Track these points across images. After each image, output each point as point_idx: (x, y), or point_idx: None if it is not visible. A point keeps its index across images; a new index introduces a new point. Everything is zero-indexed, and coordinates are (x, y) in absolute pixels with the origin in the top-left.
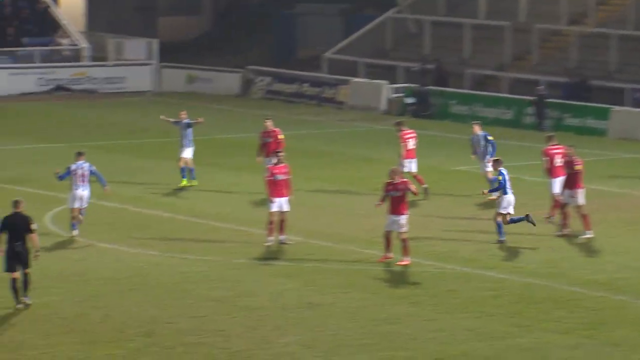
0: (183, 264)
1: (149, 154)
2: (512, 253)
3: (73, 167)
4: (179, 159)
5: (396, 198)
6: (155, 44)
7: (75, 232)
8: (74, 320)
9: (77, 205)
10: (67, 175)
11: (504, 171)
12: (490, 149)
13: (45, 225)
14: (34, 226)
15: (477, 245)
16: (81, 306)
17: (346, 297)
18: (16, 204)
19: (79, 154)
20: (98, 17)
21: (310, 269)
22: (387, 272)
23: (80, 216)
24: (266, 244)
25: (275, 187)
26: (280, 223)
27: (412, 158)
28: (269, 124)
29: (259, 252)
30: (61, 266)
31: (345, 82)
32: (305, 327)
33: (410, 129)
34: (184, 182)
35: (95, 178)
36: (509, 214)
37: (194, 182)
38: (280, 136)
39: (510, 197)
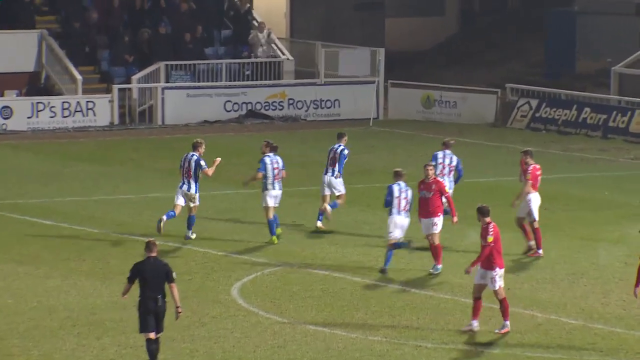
0: None
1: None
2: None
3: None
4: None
5: None
6: (380, 54)
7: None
8: None
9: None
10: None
11: (394, 186)
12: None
13: None
14: (174, 275)
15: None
16: None
17: None
18: (149, 246)
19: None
20: (304, 19)
21: None
22: None
23: None
24: None
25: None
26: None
27: None
28: (527, 159)
29: None
30: None
31: None
32: None
33: None
34: None
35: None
36: (393, 239)
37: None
38: (528, 175)
39: (397, 219)
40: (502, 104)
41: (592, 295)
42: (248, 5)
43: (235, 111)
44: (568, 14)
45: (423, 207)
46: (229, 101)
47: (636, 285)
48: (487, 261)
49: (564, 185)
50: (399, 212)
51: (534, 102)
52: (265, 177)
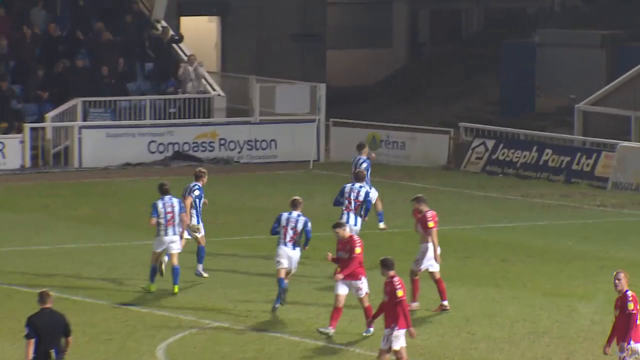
0: None
1: None
2: None
3: None
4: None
5: None
6: (321, 90)
7: None
8: None
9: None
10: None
11: (283, 215)
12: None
13: None
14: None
15: None
16: None
17: None
18: (43, 297)
19: None
20: (237, 50)
21: None
22: None
23: None
24: None
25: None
26: None
27: None
28: (421, 206)
29: None
30: None
31: (610, 148)
32: None
33: None
34: None
35: None
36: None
37: None
38: (430, 223)
39: (282, 249)
40: (455, 144)
41: (555, 356)
42: (172, 34)
43: (161, 152)
44: (527, 46)
45: (342, 269)
46: (153, 141)
47: (608, 344)
48: (391, 317)
49: (523, 235)
50: (285, 244)
51: (490, 143)
52: (158, 222)
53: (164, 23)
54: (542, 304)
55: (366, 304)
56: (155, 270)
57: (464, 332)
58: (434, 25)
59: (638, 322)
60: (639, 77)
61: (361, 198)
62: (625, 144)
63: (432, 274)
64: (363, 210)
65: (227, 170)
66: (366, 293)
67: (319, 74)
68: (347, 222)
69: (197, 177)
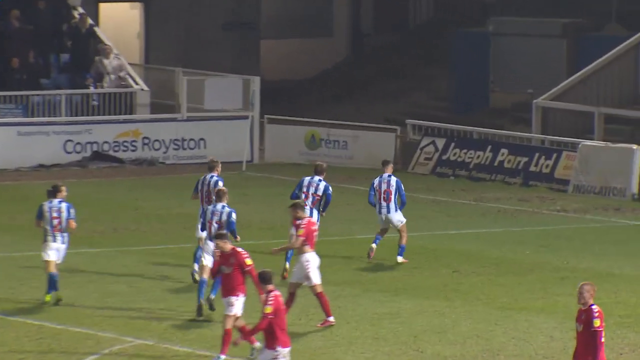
0: None
1: None
2: None
3: None
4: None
5: None
6: (255, 83)
7: None
8: None
9: None
10: None
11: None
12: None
13: None
14: None
15: None
16: None
17: None
18: None
19: None
20: (162, 40)
21: None
22: None
23: None
24: None
25: None
26: None
27: None
28: (298, 213)
29: None
30: None
31: (571, 148)
32: None
33: None
34: None
35: None
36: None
37: None
38: (314, 227)
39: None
40: (402, 144)
41: None
42: (90, 23)
43: (78, 152)
44: (480, 36)
45: (222, 285)
46: (70, 140)
47: None
48: (269, 338)
49: (476, 243)
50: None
51: (441, 142)
52: (44, 228)
53: (81, 10)
54: (497, 319)
55: (228, 325)
56: (53, 280)
57: (412, 350)
58: (379, 13)
59: (603, 339)
60: (603, 69)
61: (320, 192)
62: (588, 143)
63: (312, 288)
64: (322, 204)
65: (151, 173)
66: (235, 314)
67: (253, 66)
68: None
69: (212, 168)
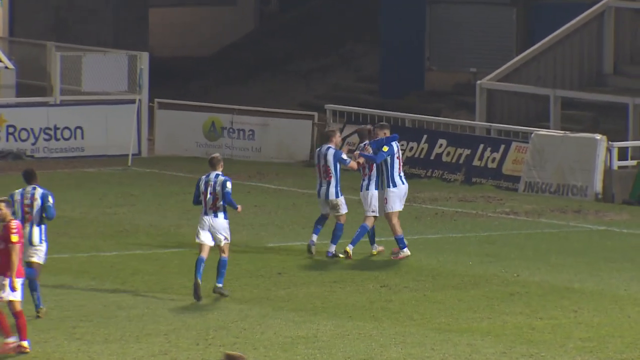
0: None
1: None
2: None
3: None
4: None
5: None
6: (143, 61)
7: None
8: None
9: None
10: None
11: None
12: None
13: None
14: None
15: None
16: None
17: None
18: None
19: None
20: (31, 10)
21: None
22: None
23: None
24: None
25: None
26: None
27: None
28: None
29: None
30: None
31: (522, 138)
32: None
33: None
34: None
35: None
36: None
37: None
38: (14, 237)
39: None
40: (320, 133)
41: None
42: None
43: None
44: (414, 4)
45: None
46: None
47: None
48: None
49: (410, 252)
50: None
51: (364, 131)
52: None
53: None
54: (433, 343)
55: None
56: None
57: None
58: None
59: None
60: (559, 44)
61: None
62: (543, 132)
63: (10, 303)
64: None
65: (17, 168)
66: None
67: (140, 41)
68: (216, 217)
69: (328, 138)
